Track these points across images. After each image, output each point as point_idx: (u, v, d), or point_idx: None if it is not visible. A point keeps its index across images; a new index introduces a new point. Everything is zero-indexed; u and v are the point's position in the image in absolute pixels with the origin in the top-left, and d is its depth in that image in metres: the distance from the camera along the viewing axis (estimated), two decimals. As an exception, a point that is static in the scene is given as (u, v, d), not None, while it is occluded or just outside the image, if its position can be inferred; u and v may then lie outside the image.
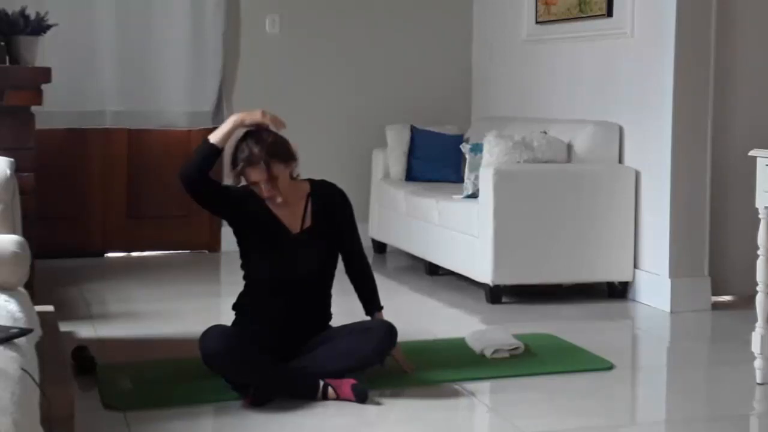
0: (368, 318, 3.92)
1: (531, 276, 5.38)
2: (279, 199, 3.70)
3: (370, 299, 3.94)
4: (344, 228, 3.89)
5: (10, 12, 4.58)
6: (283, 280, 3.74)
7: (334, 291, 3.89)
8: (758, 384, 3.85)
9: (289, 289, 3.75)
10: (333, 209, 3.85)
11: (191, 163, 3.71)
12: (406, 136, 6.67)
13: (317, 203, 3.82)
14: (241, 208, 3.78)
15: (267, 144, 3.65)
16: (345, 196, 3.91)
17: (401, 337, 3.83)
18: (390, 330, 3.73)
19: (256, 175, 3.65)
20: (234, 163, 3.69)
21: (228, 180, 3.82)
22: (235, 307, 3.86)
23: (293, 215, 3.79)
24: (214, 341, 3.56)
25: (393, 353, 3.83)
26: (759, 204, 3.82)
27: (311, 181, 3.89)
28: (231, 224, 3.84)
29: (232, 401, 3.54)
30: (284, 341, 3.73)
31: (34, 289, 3.92)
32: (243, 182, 3.74)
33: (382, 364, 3.79)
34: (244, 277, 3.86)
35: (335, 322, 3.89)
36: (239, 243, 3.85)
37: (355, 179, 6.90)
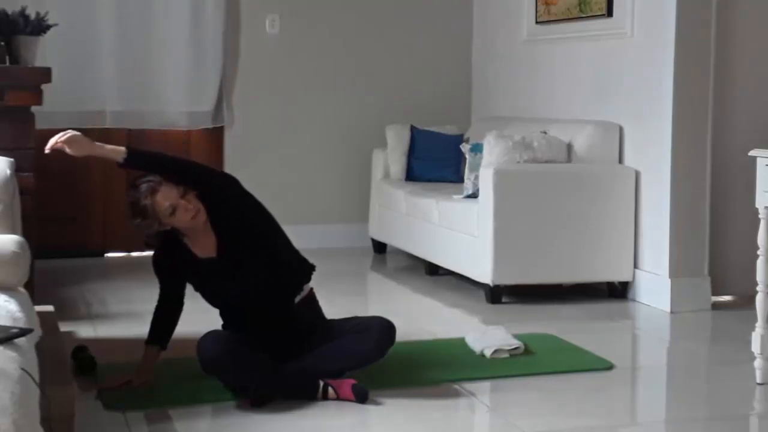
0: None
1: (531, 276, 5.38)
2: (202, 217, 3.57)
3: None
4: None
5: (10, 12, 4.58)
6: (237, 302, 3.68)
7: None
8: (758, 384, 3.85)
9: (251, 304, 3.68)
10: (219, 200, 3.65)
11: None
12: (406, 136, 6.67)
13: (212, 214, 3.63)
14: (181, 271, 3.72)
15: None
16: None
17: (401, 337, 3.83)
18: (389, 328, 3.72)
19: (168, 195, 3.52)
20: (136, 210, 3.52)
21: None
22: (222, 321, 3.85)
23: (208, 241, 3.66)
24: (212, 346, 3.54)
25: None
26: (759, 204, 3.81)
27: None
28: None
29: (232, 401, 3.54)
30: (278, 341, 3.71)
31: (34, 289, 3.91)
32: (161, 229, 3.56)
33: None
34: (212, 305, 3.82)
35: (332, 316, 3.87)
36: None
37: (355, 179, 6.91)
